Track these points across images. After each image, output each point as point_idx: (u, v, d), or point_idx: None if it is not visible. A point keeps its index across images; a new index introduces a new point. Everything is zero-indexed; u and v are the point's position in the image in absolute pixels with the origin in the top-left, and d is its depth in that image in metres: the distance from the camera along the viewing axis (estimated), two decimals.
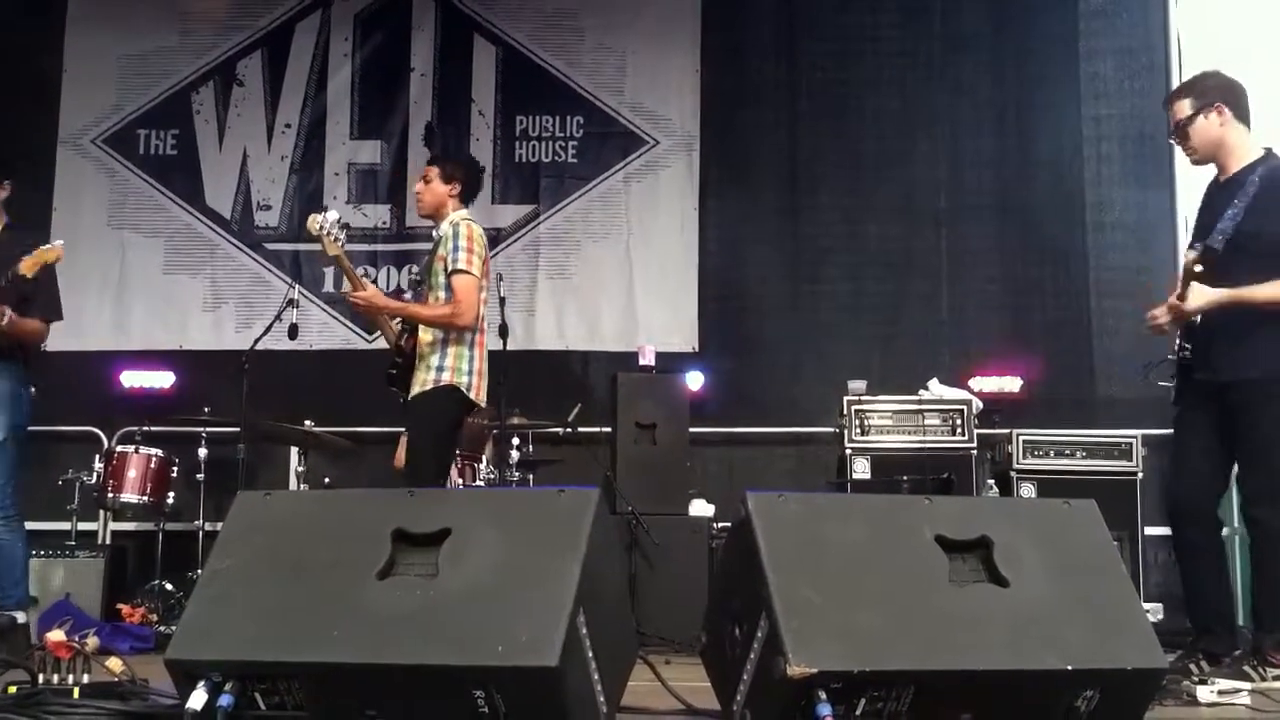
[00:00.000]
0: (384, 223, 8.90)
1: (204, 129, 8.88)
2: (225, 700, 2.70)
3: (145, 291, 8.69)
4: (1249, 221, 4.40)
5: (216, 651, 2.75)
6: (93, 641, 3.46)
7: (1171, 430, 4.95)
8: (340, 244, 5.64)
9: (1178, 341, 4.61)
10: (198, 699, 2.70)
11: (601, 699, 2.80)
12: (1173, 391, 4.80)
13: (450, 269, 5.48)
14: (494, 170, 8.86)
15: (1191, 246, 4.49)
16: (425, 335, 5.57)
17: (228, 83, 8.93)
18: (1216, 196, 4.61)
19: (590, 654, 2.74)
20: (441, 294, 5.58)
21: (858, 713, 2.66)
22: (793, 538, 2.83)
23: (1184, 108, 4.61)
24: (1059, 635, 2.77)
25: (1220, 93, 4.60)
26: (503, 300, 6.85)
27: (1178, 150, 4.90)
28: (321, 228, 5.59)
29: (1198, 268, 4.34)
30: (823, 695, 2.59)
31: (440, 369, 5.50)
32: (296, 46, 8.96)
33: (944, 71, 9.03)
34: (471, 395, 5.52)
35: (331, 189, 8.89)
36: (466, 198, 5.85)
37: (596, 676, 2.77)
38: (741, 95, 9.08)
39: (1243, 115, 4.60)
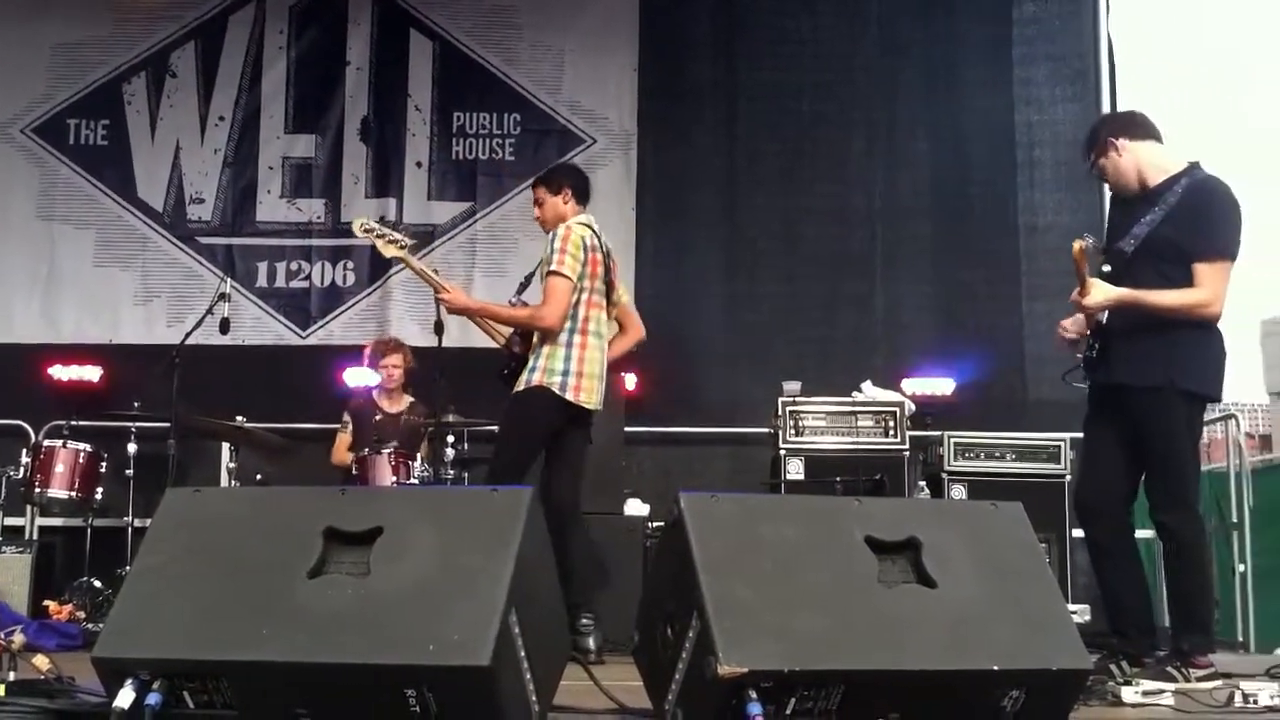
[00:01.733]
0: (319, 217, 8.85)
1: (136, 120, 8.79)
2: (153, 699, 2.66)
3: (75, 284, 8.60)
4: (1164, 228, 4.46)
5: (144, 649, 2.71)
6: (19, 639, 3.41)
7: None
8: (399, 244, 5.72)
9: (1088, 341, 4.64)
10: (125, 697, 2.66)
11: (534, 698, 2.79)
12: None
13: (546, 270, 5.49)
14: (430, 166, 8.85)
15: (1081, 237, 4.50)
16: (535, 338, 5.57)
17: (160, 74, 8.85)
18: (1134, 205, 4.66)
19: (523, 653, 2.73)
20: None
21: (788, 712, 2.68)
22: (725, 538, 2.84)
23: (1093, 160, 4.72)
24: (986, 636, 2.81)
25: (1109, 131, 4.68)
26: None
27: None
28: (369, 230, 5.67)
29: (1106, 266, 4.40)
30: (753, 694, 2.60)
31: (533, 369, 5.49)
32: (230, 38, 8.90)
33: (880, 75, 9.12)
34: (568, 396, 5.46)
35: (266, 183, 8.82)
36: (582, 199, 5.81)
37: (529, 675, 2.76)
38: (679, 95, 9.12)
39: (1144, 134, 4.64)
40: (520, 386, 5.50)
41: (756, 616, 2.71)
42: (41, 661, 3.35)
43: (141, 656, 2.70)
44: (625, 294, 5.93)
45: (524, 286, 5.90)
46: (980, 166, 9.03)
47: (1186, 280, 4.43)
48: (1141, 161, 4.62)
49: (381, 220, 5.61)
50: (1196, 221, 4.46)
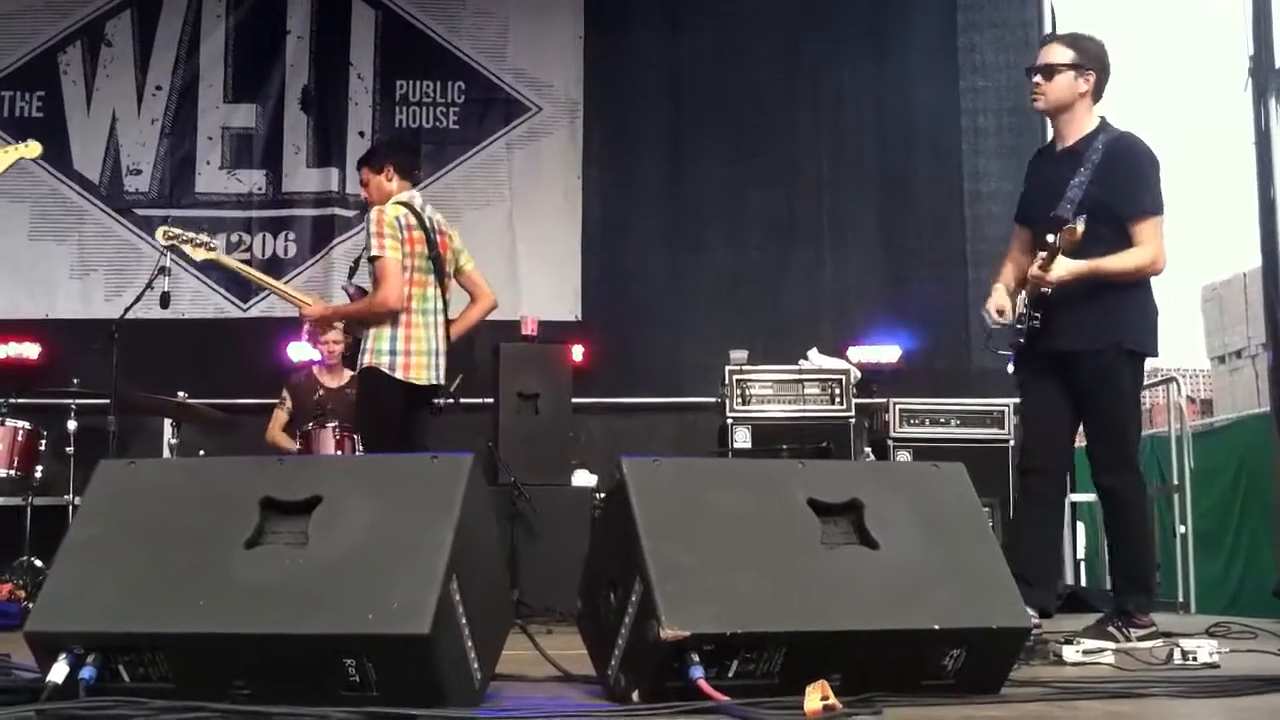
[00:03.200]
0: (259, 188, 8.75)
1: (71, 90, 8.65)
2: (88, 673, 2.61)
3: (9, 259, 8.46)
4: (1092, 189, 4.47)
5: (78, 623, 2.66)
6: None
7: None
8: (207, 246, 5.79)
9: (1022, 309, 4.65)
10: (59, 671, 2.61)
11: (476, 665, 2.77)
12: (1010, 361, 4.91)
13: (368, 258, 5.53)
14: (373, 136, 8.74)
15: (1074, 220, 4.46)
16: None
17: (96, 43, 8.70)
18: (1055, 166, 4.66)
19: (464, 620, 2.70)
20: None
21: (730, 674, 2.68)
22: (667, 502, 2.83)
23: (1062, 55, 4.62)
24: (927, 596, 2.82)
25: (1097, 64, 4.63)
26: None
27: (1048, 123, 4.93)
28: (174, 238, 5.81)
29: (1049, 237, 4.40)
30: (695, 658, 2.60)
31: (363, 351, 5.56)
32: (168, 6, 8.76)
33: (826, 42, 9.11)
34: (398, 375, 5.50)
35: (205, 153, 8.71)
36: (406, 175, 5.81)
37: (470, 644, 2.74)
38: (625, 62, 9.08)
39: (1099, 93, 4.67)
40: (357, 369, 5.61)
41: (698, 580, 2.70)
42: None
43: (75, 630, 2.65)
44: (468, 262, 5.95)
45: (354, 270, 5.95)
46: (925, 134, 9.06)
47: (1122, 241, 4.49)
48: (1078, 110, 4.61)
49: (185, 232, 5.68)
50: (1126, 182, 4.51)
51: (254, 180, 8.74)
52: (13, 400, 7.20)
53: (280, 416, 7.46)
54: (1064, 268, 4.43)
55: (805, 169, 9.03)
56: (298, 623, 2.59)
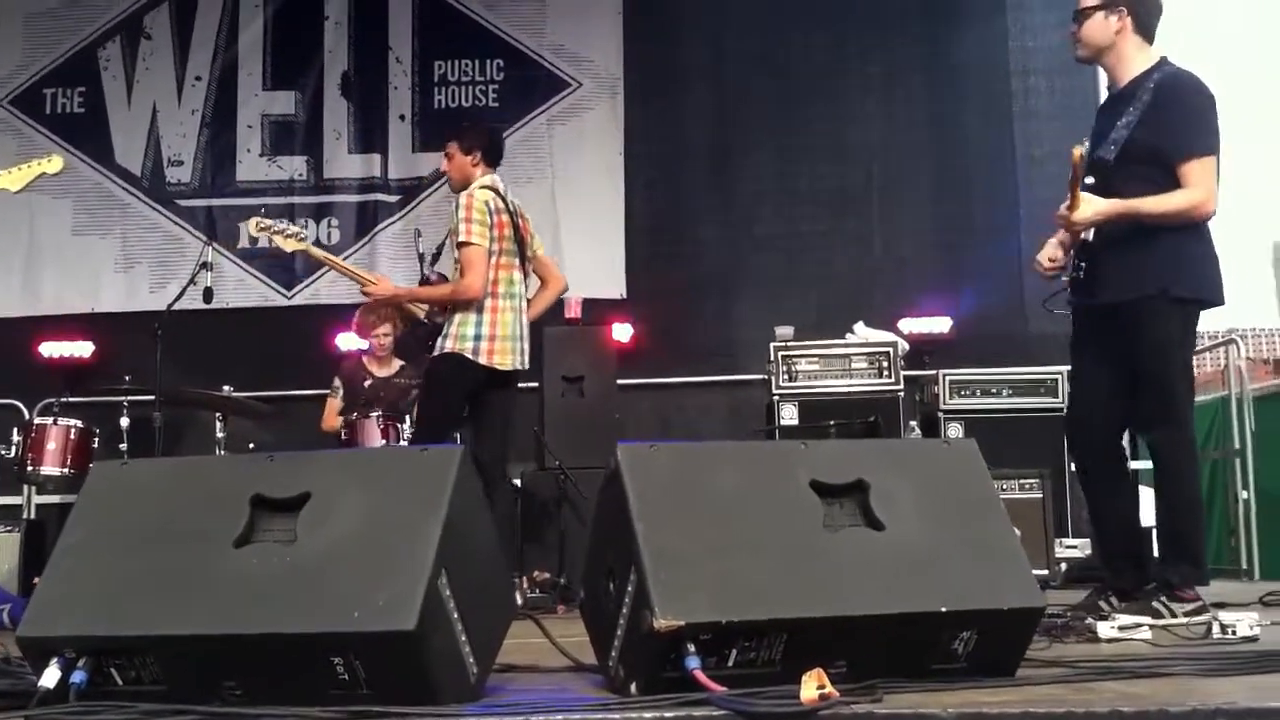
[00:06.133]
0: (300, 175, 8.77)
1: (112, 85, 8.71)
2: (78, 677, 2.60)
3: (54, 255, 8.56)
4: (1141, 130, 4.21)
5: (68, 627, 2.65)
6: None
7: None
8: (297, 237, 5.73)
9: (1073, 262, 4.44)
10: (50, 676, 2.60)
11: (471, 660, 2.71)
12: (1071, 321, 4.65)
13: (456, 242, 5.48)
14: (414, 119, 8.73)
15: (1080, 143, 4.20)
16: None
17: (135, 37, 8.76)
18: (1110, 111, 4.44)
19: (456, 615, 2.65)
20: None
21: (730, 664, 2.60)
22: (663, 488, 2.75)
23: (1084, 11, 4.45)
24: (934, 577, 2.71)
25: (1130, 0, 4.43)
26: (421, 257, 6.69)
27: (1102, 80, 4.67)
28: (265, 229, 5.74)
29: (1089, 179, 4.19)
30: (691, 648, 2.52)
31: (445, 336, 5.52)
32: None
33: (874, 7, 8.93)
34: (481, 360, 5.47)
35: (245, 142, 8.75)
36: (491, 163, 5.76)
37: (464, 638, 2.68)
38: (666, 35, 8.97)
39: (1144, 29, 4.38)
40: (435, 352, 5.54)
41: (694, 567, 2.62)
42: None
43: (65, 634, 2.64)
44: (540, 247, 5.93)
45: (436, 258, 5.89)
46: (976, 98, 8.87)
47: (1171, 184, 4.17)
48: (1122, 50, 4.33)
49: (276, 223, 5.65)
50: (1173, 120, 4.20)
51: (295, 167, 8.76)
52: (66, 399, 7.29)
53: (334, 404, 7.46)
54: (1092, 208, 4.14)
55: (853, 139, 8.88)
56: (285, 622, 2.56)
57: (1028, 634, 2.83)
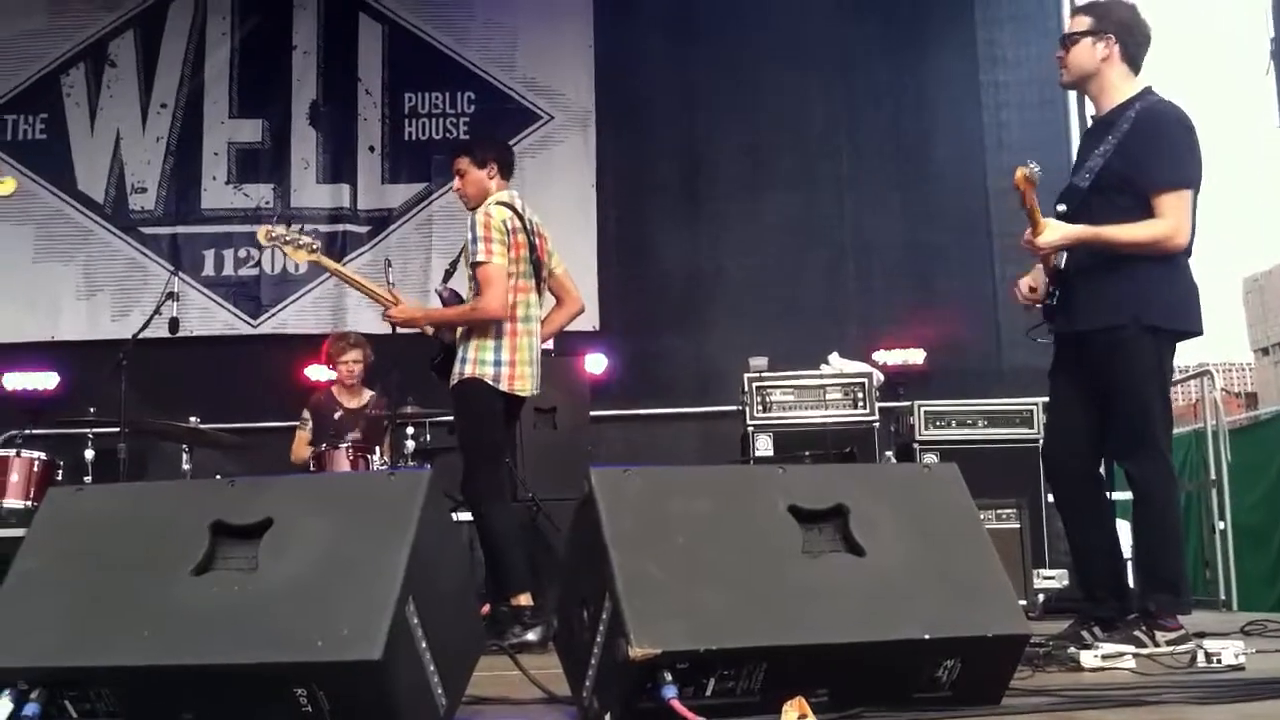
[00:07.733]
0: (267, 202, 8.68)
1: (75, 112, 8.63)
2: (31, 710, 2.51)
3: (14, 282, 8.42)
4: (1116, 159, 4.18)
5: (20, 658, 2.55)
6: None
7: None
8: (309, 249, 5.61)
9: (1047, 289, 4.38)
10: (2, 709, 2.51)
11: (440, 691, 2.62)
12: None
13: (470, 262, 5.27)
14: (383, 150, 8.67)
15: (1024, 164, 4.10)
16: (460, 329, 5.37)
17: (100, 64, 8.69)
18: (1090, 138, 4.42)
19: (424, 644, 2.56)
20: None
21: (708, 693, 2.52)
22: (638, 514, 2.68)
23: (1080, 23, 4.39)
24: (917, 604, 2.64)
25: (1117, 27, 4.36)
26: (392, 284, 6.59)
27: (1074, 115, 4.65)
28: (276, 238, 5.57)
29: (1060, 205, 4.15)
30: (668, 677, 2.45)
31: (463, 361, 5.28)
32: (171, 25, 8.74)
33: (841, 42, 8.97)
34: (502, 386, 5.25)
35: (211, 169, 8.67)
36: (506, 174, 5.55)
37: (432, 669, 2.59)
38: (637, 70, 8.95)
39: (1131, 58, 4.35)
40: (454, 380, 5.31)
41: (670, 594, 2.55)
42: None
43: (17, 665, 2.54)
44: (559, 265, 5.69)
45: (449, 274, 5.65)
46: (947, 130, 8.89)
47: (1145, 214, 4.13)
48: (1107, 78, 4.31)
49: (288, 225, 5.48)
50: (1148, 151, 4.16)
51: (261, 195, 8.67)
52: (29, 431, 7.16)
53: (303, 436, 7.34)
54: (1059, 232, 4.11)
55: (824, 170, 8.87)
56: (246, 652, 2.46)
57: (1013, 662, 2.76)
